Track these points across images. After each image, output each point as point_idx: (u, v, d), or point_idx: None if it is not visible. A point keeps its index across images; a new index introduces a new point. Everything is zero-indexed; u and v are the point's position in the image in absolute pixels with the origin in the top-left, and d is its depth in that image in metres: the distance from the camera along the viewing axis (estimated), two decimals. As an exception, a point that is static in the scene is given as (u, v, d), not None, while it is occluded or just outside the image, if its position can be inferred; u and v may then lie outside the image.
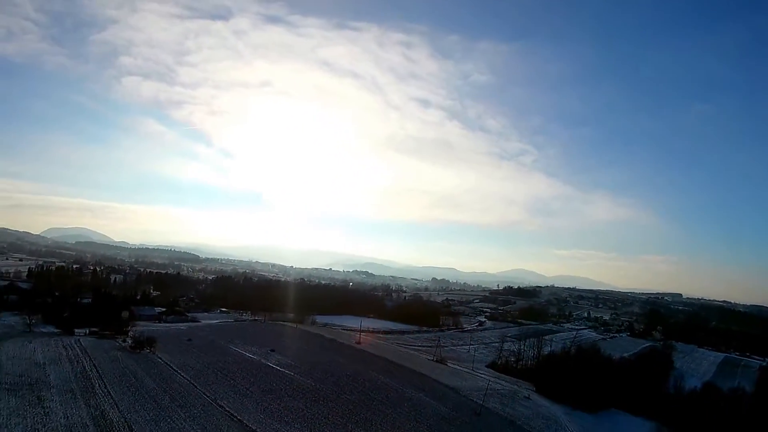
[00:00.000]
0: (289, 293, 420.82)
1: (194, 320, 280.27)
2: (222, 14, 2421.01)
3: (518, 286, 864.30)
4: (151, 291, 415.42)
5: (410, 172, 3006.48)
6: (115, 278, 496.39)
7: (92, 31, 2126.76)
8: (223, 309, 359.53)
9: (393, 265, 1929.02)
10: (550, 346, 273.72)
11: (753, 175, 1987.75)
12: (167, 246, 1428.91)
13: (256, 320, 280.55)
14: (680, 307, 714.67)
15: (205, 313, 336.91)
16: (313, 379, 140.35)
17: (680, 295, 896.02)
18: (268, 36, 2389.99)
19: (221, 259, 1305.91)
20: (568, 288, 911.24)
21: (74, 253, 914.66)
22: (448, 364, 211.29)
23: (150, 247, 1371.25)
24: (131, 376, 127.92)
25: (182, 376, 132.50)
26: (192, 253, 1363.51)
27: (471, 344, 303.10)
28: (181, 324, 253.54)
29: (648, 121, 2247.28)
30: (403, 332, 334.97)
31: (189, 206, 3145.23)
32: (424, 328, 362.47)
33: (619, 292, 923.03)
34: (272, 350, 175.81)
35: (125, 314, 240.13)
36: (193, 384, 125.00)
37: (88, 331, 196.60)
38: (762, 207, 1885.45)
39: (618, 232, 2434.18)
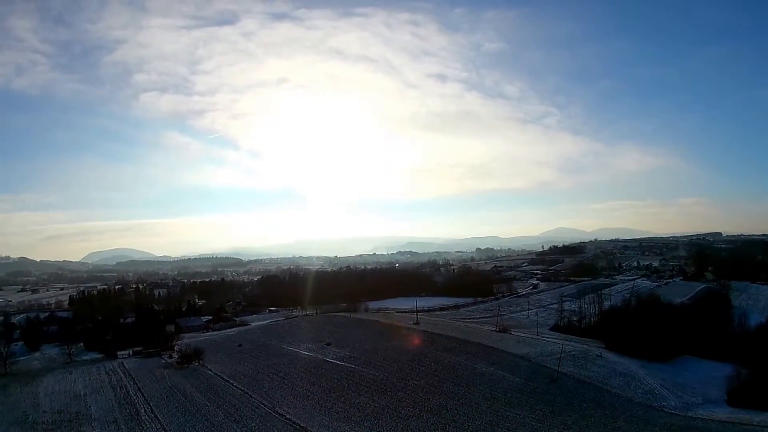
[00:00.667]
0: (336, 283, 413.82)
1: (243, 324, 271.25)
2: (228, 19, 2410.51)
3: (563, 245, 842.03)
4: (197, 300, 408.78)
5: (437, 148, 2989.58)
6: (159, 293, 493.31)
7: (102, 54, 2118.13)
8: (272, 308, 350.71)
9: (435, 241, 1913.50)
10: (610, 300, 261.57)
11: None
12: (209, 254, 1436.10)
13: (307, 315, 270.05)
14: (723, 246, 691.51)
15: (254, 315, 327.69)
16: (375, 369, 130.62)
17: (720, 234, 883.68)
18: (277, 33, 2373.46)
19: (264, 259, 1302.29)
20: (612, 240, 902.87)
21: (116, 275, 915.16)
22: (512, 332, 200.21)
23: (192, 258, 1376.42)
24: (180, 395, 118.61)
25: (235, 386, 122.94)
26: (234, 257, 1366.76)
27: (529, 309, 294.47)
28: (229, 330, 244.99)
29: (665, 68, 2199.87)
30: (458, 306, 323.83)
31: (225, 212, 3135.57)
32: (479, 299, 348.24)
33: (660, 238, 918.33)
34: (328, 344, 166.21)
35: (170, 328, 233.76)
36: (248, 394, 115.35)
37: (131, 351, 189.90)
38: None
39: (650, 179, 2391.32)
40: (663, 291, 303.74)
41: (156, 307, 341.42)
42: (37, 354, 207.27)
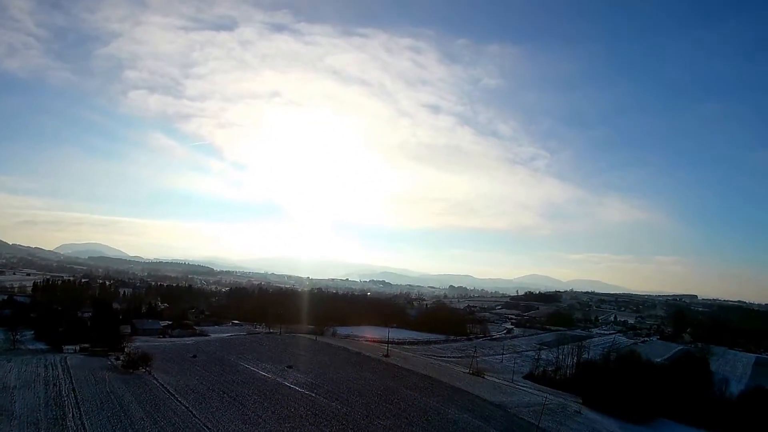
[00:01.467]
0: (306, 304, 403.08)
1: (203, 334, 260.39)
2: (227, 25, 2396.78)
3: (538, 291, 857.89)
4: (159, 304, 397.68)
5: (423, 179, 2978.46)
6: (124, 291, 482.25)
7: (96, 45, 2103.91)
8: (236, 321, 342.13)
9: (409, 273, 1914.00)
10: (588, 353, 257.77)
11: (763, 175, 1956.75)
12: (182, 260, 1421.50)
13: (270, 333, 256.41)
14: (700, 309, 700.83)
15: (216, 327, 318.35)
16: (338, 401, 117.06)
17: (696, 296, 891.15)
18: (275, 45, 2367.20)
19: (236, 272, 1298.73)
20: (587, 292, 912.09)
21: (86, 268, 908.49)
22: (486, 377, 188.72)
23: (164, 262, 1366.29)
24: (116, 403, 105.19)
25: (179, 401, 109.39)
26: (207, 266, 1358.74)
27: (503, 353, 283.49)
28: (187, 339, 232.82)
29: (657, 121, 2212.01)
30: (429, 342, 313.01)
31: (203, 220, 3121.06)
32: (452, 337, 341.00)
33: (637, 295, 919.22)
34: (289, 366, 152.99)
35: (125, 329, 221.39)
36: (191, 412, 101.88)
37: (78, 347, 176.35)
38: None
39: (630, 233, 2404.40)
40: (641, 349, 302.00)
41: (116, 306, 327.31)
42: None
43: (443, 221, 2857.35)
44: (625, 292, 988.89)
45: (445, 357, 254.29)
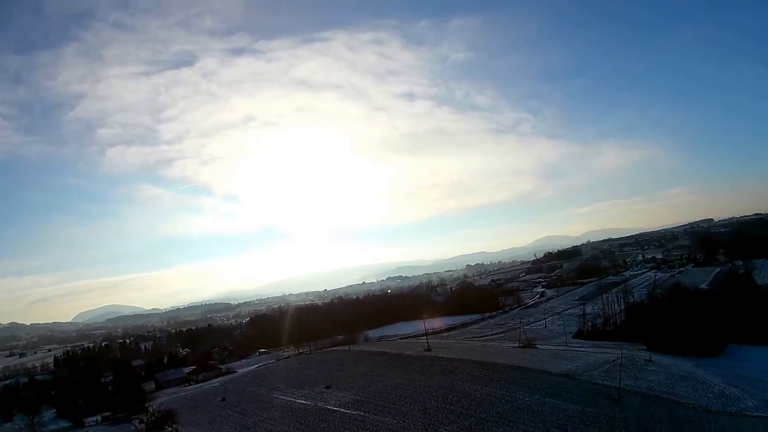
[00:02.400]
0: (330, 315, 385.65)
1: (229, 371, 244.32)
2: (186, 60, 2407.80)
3: (558, 250, 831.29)
4: (180, 350, 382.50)
5: (413, 170, 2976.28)
6: (145, 346, 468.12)
7: (63, 111, 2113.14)
8: (262, 350, 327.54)
9: (423, 263, 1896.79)
10: (633, 296, 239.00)
11: (750, 88, 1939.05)
12: (198, 302, 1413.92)
13: (300, 354, 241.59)
14: (721, 230, 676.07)
15: (242, 360, 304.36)
16: (392, 415, 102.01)
17: (711, 219, 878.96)
18: (238, 70, 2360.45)
19: (254, 301, 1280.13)
20: (605, 240, 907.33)
21: (105, 332, 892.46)
22: (538, 346, 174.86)
23: (182, 308, 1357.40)
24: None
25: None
26: (224, 302, 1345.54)
27: (545, 318, 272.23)
28: (214, 381, 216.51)
29: (638, 58, 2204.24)
30: (465, 324, 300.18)
31: (210, 258, 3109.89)
32: (486, 314, 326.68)
33: (654, 232, 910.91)
34: (328, 387, 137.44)
35: (149, 385, 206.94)
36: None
37: (100, 417, 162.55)
38: (763, 118, 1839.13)
39: (632, 175, 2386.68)
40: (681, 279, 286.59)
41: (138, 362, 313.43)
42: (8, 425, 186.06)
43: (444, 206, 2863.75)
44: (642, 232, 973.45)
45: (487, 336, 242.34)
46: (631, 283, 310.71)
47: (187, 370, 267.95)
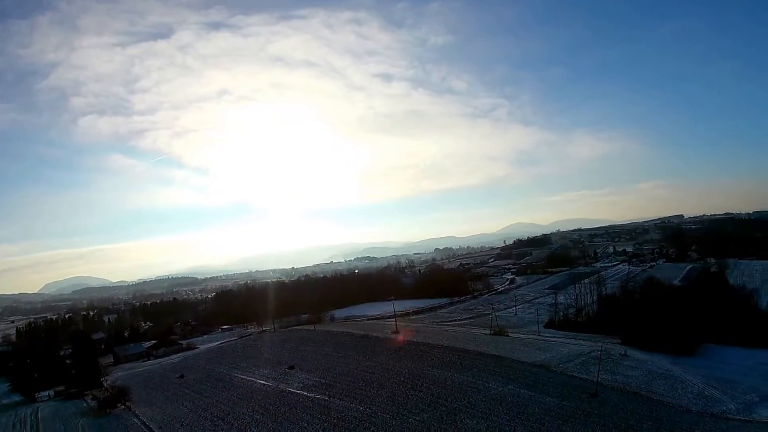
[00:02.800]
0: (296, 293, 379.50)
1: (190, 347, 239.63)
2: (163, 32, 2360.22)
3: (528, 237, 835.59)
4: (142, 324, 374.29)
5: (388, 150, 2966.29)
6: (108, 318, 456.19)
7: (36, 79, 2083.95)
8: (225, 327, 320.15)
9: (392, 245, 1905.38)
10: (605, 288, 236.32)
11: (728, 87, 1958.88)
12: (166, 276, 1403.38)
13: (264, 331, 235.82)
14: (692, 226, 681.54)
15: (204, 336, 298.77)
16: (357, 401, 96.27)
17: (682, 215, 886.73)
18: (214, 44, 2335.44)
19: (221, 276, 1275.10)
20: (575, 230, 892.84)
21: (70, 303, 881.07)
22: (509, 334, 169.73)
23: (148, 281, 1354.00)
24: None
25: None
26: (191, 276, 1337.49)
27: (516, 305, 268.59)
28: (174, 357, 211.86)
29: (616, 51, 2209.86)
30: (433, 308, 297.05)
31: (179, 232, 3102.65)
32: (455, 299, 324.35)
33: (624, 225, 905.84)
34: (291, 367, 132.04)
35: (107, 360, 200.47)
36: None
37: (53, 392, 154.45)
38: (739, 117, 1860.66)
39: (606, 166, 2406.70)
40: (653, 274, 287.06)
41: (100, 335, 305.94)
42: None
43: (416, 188, 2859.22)
44: (612, 224, 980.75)
45: (456, 321, 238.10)
46: (602, 275, 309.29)
47: (147, 344, 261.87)
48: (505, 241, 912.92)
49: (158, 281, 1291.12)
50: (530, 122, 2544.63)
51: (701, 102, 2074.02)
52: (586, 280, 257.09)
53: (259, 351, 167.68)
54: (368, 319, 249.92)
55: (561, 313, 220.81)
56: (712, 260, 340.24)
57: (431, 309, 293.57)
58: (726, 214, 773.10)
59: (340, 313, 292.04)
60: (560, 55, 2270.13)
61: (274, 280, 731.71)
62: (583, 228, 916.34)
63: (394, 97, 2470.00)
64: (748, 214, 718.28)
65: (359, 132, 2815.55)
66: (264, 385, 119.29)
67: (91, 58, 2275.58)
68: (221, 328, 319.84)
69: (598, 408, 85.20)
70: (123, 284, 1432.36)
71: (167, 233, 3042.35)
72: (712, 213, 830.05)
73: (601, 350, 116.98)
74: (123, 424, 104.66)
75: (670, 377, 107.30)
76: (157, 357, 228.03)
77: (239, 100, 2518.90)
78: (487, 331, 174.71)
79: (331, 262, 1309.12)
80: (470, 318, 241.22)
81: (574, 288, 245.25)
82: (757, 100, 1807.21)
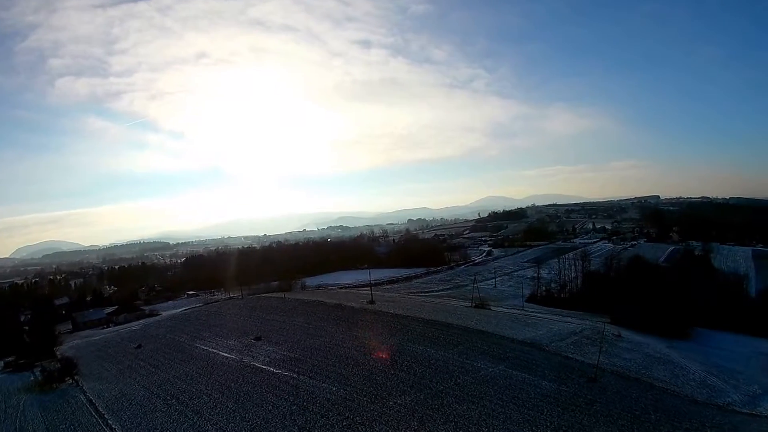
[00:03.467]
0: (267, 260, 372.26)
1: (153, 314, 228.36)
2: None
3: (502, 210, 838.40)
4: (108, 288, 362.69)
5: (364, 118, 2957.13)
6: (75, 283, 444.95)
7: (15, 41, 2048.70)
8: (191, 292, 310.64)
9: (365, 215, 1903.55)
10: (589, 264, 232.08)
11: (705, 73, 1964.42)
12: (137, 240, 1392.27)
13: (231, 298, 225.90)
14: (670, 207, 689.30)
15: (169, 302, 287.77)
16: (330, 380, 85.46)
17: (658, 196, 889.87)
18: (194, 6, 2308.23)
19: (193, 242, 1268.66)
20: (550, 205, 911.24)
21: (40, 268, 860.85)
22: (491, 308, 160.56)
23: (119, 245, 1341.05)
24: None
25: (110, 426, 77.70)
26: (163, 241, 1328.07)
27: (495, 277, 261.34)
28: (134, 323, 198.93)
29: (597, 25, 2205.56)
30: (409, 278, 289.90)
31: (153, 197, 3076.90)
32: (432, 269, 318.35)
33: (600, 202, 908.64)
34: (257, 338, 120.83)
35: (65, 327, 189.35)
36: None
37: (2, 363, 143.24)
38: (720, 100, 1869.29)
39: (582, 143, 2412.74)
40: (637, 253, 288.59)
41: (62, 300, 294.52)
42: None
43: (390, 157, 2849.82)
44: (587, 201, 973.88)
45: (433, 291, 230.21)
46: (586, 251, 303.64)
47: (108, 310, 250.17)
48: (479, 214, 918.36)
49: (129, 245, 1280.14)
50: (508, 95, 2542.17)
51: (678, 85, 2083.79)
52: (570, 254, 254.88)
53: (224, 319, 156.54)
54: (341, 288, 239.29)
55: (543, 288, 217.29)
56: (695, 243, 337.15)
57: (407, 279, 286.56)
58: (703, 198, 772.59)
59: (312, 281, 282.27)
60: (539, 30, 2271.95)
61: (245, 246, 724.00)
62: (558, 204, 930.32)
63: (372, 65, 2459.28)
64: (725, 199, 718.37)
65: (336, 99, 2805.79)
66: (227, 358, 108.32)
67: (71, 20, 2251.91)
68: (187, 294, 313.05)
69: (599, 395, 76.01)
70: (94, 248, 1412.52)
71: (141, 198, 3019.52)
72: (688, 196, 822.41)
73: (603, 331, 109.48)
74: (68, 402, 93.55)
75: (669, 362, 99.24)
76: (117, 324, 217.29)
77: (217, 63, 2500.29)
78: (468, 303, 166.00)
79: (304, 230, 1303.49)
80: (447, 289, 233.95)
81: (557, 262, 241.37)
82: (735, 88, 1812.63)
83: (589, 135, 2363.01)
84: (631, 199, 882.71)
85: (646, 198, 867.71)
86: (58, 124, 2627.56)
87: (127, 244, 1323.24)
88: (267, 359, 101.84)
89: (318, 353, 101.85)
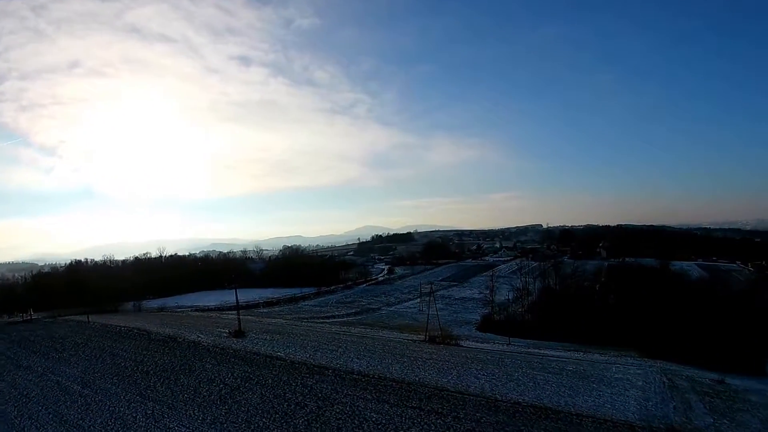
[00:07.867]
0: (107, 276, 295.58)
1: None
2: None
3: (388, 233, 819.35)
4: None
5: (240, 142, 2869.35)
6: None
7: None
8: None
9: (239, 242, 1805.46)
10: (551, 281, 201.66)
11: (593, 104, 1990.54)
12: (7, 262, 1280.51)
13: (11, 323, 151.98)
14: (572, 229, 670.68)
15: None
16: None
17: (541, 225, 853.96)
18: (70, 7, 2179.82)
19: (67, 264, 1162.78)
20: (433, 230, 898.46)
21: None
22: (462, 344, 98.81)
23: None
24: None
25: None
26: (33, 263, 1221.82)
27: (418, 299, 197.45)
28: None
29: (489, 51, 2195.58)
30: (294, 299, 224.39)
31: (29, 215, 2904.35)
32: (323, 288, 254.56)
33: (484, 231, 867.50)
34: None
35: None
36: None
37: None
38: (600, 132, 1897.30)
39: (463, 174, 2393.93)
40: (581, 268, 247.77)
41: None
42: None
43: (264, 184, 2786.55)
44: (472, 230, 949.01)
45: (336, 318, 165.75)
46: (503, 268, 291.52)
47: None
48: (360, 239, 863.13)
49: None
50: (390, 123, 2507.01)
51: (565, 116, 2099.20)
52: (504, 270, 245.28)
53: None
54: (196, 310, 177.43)
55: (497, 310, 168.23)
56: (630, 259, 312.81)
57: (291, 300, 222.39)
58: (586, 225, 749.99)
59: (162, 302, 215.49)
60: (432, 51, 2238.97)
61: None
62: (439, 230, 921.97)
63: (251, 84, 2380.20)
64: (611, 226, 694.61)
65: (211, 120, 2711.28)
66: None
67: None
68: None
69: None
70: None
71: (13, 216, 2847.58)
72: (572, 224, 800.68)
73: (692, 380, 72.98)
74: None
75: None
76: None
77: (90, 74, 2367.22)
78: (415, 337, 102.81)
79: (175, 254, 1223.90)
80: (355, 314, 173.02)
81: (492, 279, 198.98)
82: (619, 116, 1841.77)
83: (470, 166, 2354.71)
84: (511, 227, 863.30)
85: (530, 226, 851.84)
86: None
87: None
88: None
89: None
